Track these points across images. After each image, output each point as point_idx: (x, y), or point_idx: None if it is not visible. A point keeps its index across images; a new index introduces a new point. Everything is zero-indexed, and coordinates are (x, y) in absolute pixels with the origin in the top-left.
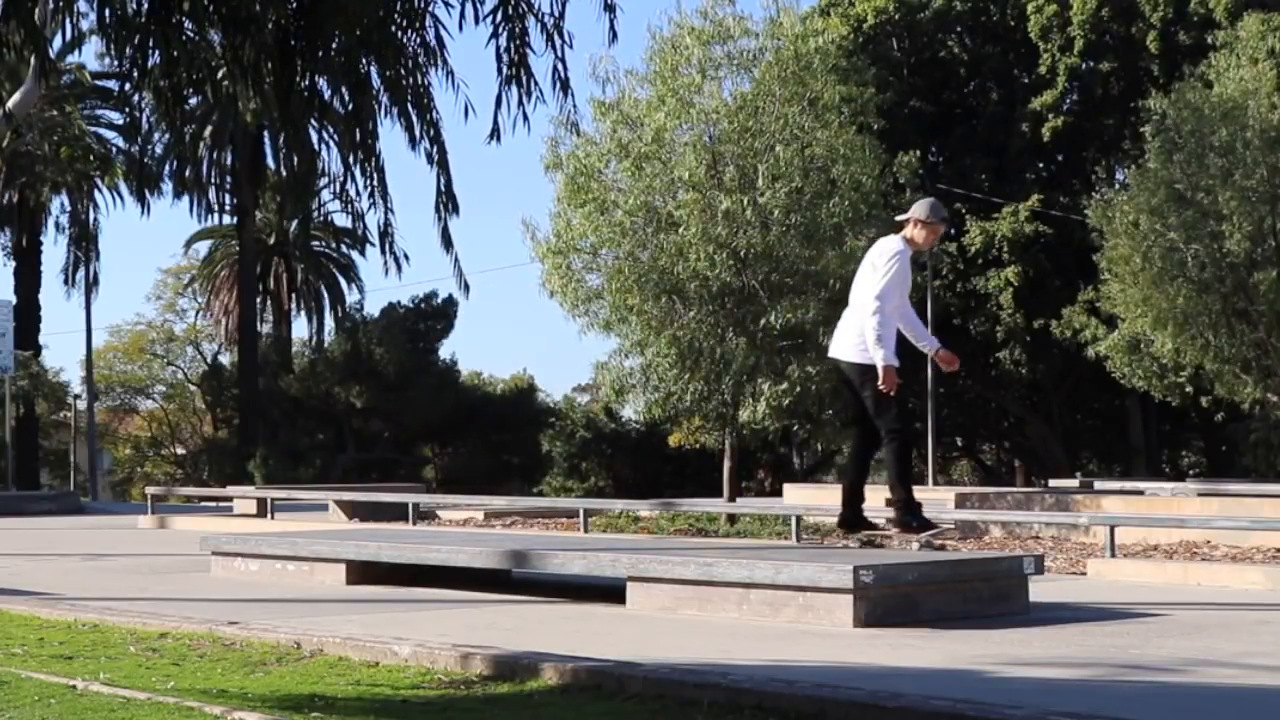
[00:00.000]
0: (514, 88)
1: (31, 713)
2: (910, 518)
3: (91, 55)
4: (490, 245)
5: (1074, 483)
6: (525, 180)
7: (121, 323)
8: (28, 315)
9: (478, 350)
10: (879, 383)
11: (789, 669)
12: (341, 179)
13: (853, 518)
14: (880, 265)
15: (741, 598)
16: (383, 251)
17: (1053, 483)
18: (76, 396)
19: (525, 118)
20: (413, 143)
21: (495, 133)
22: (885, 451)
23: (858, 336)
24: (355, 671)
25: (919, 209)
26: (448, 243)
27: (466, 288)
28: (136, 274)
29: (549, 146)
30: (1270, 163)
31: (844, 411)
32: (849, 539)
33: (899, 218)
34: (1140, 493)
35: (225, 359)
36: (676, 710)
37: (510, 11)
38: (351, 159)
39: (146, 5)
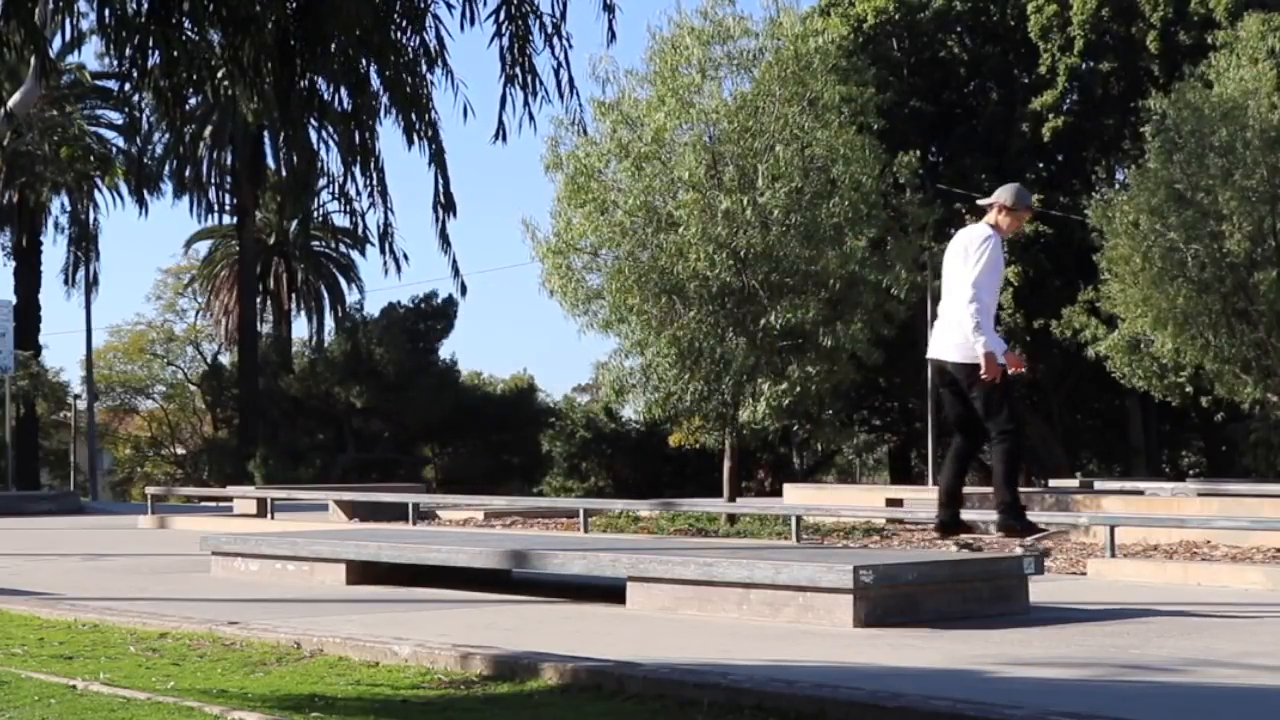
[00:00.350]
0: (518, 88)
1: (31, 713)
2: (1014, 521)
3: (91, 55)
4: (490, 245)
5: (1074, 483)
6: (525, 180)
7: (121, 323)
8: (28, 315)
9: (478, 350)
10: (982, 373)
11: (789, 669)
12: (341, 179)
13: (951, 521)
14: (973, 251)
15: (741, 598)
16: (382, 252)
17: (1053, 483)
18: (76, 396)
19: (531, 118)
20: (411, 143)
21: (501, 133)
22: (993, 451)
23: (960, 333)
24: (355, 671)
25: (1004, 195)
26: (446, 243)
27: (464, 289)
28: (136, 274)
29: (549, 146)
30: (1270, 163)
31: (946, 414)
32: (948, 543)
33: (981, 202)
34: (1140, 493)
35: (225, 359)
36: (676, 710)
37: (512, 11)
38: (351, 159)
39: (146, 5)
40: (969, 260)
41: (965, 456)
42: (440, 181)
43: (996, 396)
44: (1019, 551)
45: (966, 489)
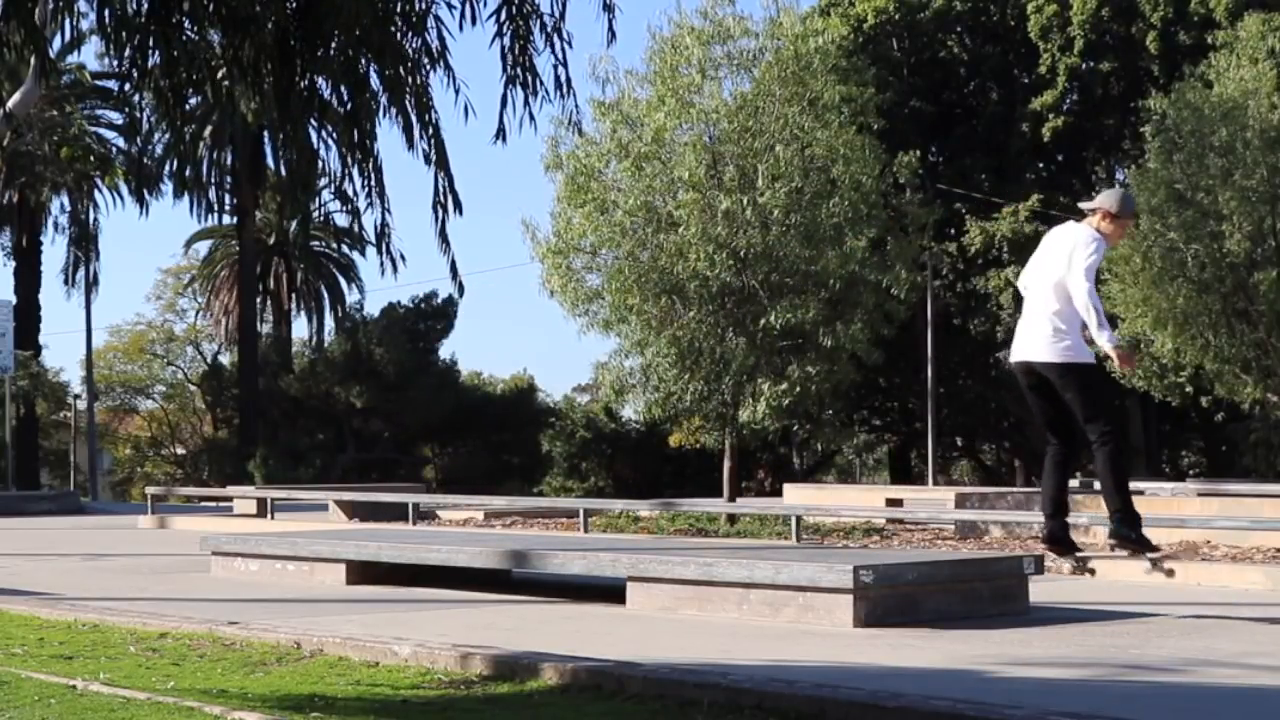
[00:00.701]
0: (519, 88)
1: (31, 713)
2: (1129, 530)
3: (91, 55)
4: (490, 245)
5: (1074, 483)
6: (525, 180)
7: (121, 323)
8: (28, 315)
9: (478, 350)
10: (1118, 367)
11: (789, 669)
12: (340, 179)
13: (1062, 532)
14: (1081, 248)
15: (741, 598)
16: (380, 251)
17: None
18: (76, 396)
19: (531, 118)
20: (410, 143)
21: (501, 133)
22: (1096, 459)
23: (1052, 332)
24: (355, 671)
25: (1110, 201)
26: (445, 243)
27: (461, 289)
28: (136, 274)
29: (549, 146)
30: (1270, 163)
31: (1036, 418)
32: (1065, 560)
33: (1084, 205)
34: (1140, 493)
35: (225, 359)
36: (676, 710)
37: (513, 11)
38: (350, 159)
39: (146, 5)
40: (1076, 256)
41: (1065, 462)
42: (442, 181)
43: (1092, 398)
44: (1146, 561)
45: (965, 489)
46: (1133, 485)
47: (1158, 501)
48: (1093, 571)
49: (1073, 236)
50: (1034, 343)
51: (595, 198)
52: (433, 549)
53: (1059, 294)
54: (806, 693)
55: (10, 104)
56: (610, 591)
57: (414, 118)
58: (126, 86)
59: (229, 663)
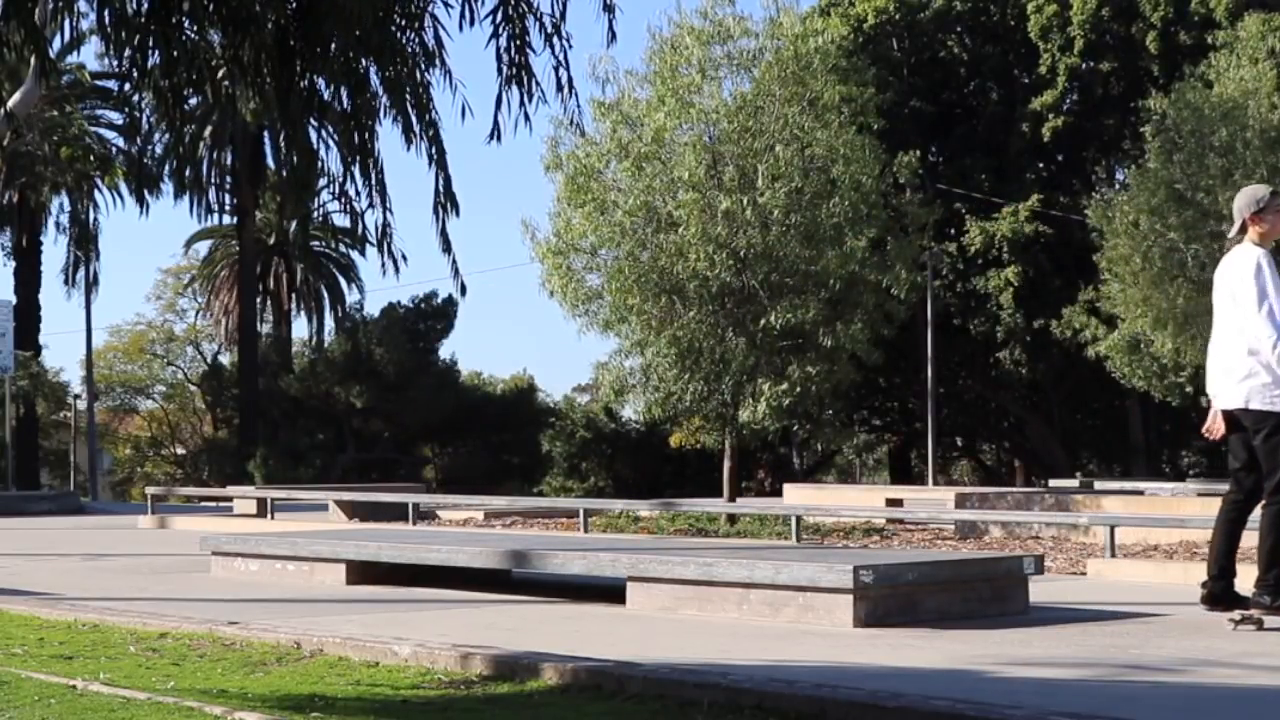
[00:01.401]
0: (515, 88)
1: (31, 713)
2: (1266, 597)
3: (91, 55)
4: (490, 245)
5: (1074, 483)
6: (525, 180)
7: (121, 323)
8: (28, 315)
9: (478, 350)
10: None
11: (789, 669)
12: (340, 179)
13: (1223, 594)
14: (1245, 284)
15: (741, 598)
16: (381, 252)
17: (1053, 483)
18: (76, 396)
19: (527, 118)
20: (410, 143)
21: (495, 133)
22: (1263, 515)
23: (1247, 374)
24: (355, 671)
25: (1245, 204)
26: (447, 243)
27: (464, 289)
28: (136, 274)
29: (549, 146)
30: (1270, 163)
31: (1232, 462)
32: (1219, 614)
33: (1231, 234)
34: (1140, 493)
35: (225, 359)
36: (676, 710)
37: (510, 12)
38: (351, 159)
39: (146, 5)
40: (1242, 295)
41: (1241, 518)
42: (441, 181)
43: None
44: None
45: (965, 489)
46: (1133, 485)
47: (1158, 501)
48: (1262, 623)
49: (1237, 268)
50: (1235, 390)
51: (595, 198)
52: (433, 549)
53: (1250, 336)
54: (806, 693)
55: (10, 104)
56: (610, 591)
57: (414, 118)
58: (126, 86)
59: (229, 663)
